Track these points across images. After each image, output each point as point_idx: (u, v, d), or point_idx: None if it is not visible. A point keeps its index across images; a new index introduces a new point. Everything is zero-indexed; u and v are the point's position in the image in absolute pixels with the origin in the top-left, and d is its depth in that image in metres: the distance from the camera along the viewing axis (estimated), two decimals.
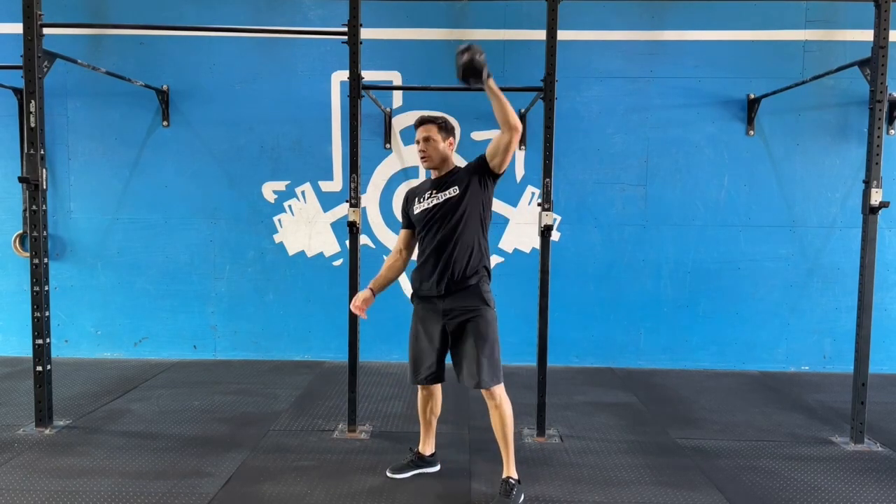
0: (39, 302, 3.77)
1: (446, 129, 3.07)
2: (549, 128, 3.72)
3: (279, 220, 5.56)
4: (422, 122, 3.07)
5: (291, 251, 5.58)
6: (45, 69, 3.74)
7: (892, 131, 5.32)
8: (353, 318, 3.83)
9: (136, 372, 5.17)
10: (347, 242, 4.02)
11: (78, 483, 3.14)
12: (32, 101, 3.67)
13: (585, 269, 5.52)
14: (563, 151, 5.32)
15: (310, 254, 5.58)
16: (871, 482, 3.27)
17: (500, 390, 2.98)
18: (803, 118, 5.38)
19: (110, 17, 5.40)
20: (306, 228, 5.56)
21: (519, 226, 5.50)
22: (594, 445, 3.74)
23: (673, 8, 5.36)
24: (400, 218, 3.30)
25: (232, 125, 5.48)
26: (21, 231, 5.53)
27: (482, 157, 3.02)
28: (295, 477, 3.25)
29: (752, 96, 5.32)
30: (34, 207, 3.74)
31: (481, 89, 2.82)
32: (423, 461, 3.32)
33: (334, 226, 5.55)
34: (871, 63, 3.63)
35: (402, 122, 5.46)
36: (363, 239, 5.40)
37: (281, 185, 5.53)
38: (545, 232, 3.73)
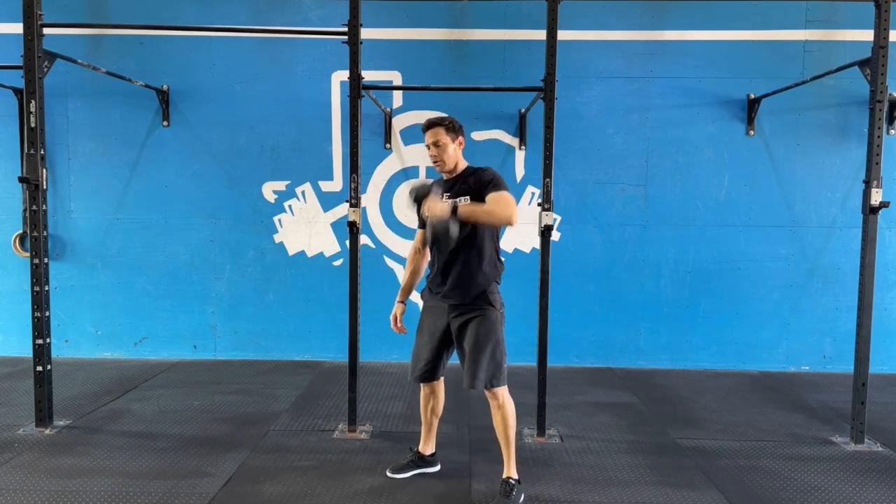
0: (39, 302, 3.77)
1: (454, 130, 3.03)
2: (549, 128, 3.72)
3: (279, 220, 5.56)
4: (429, 125, 3.04)
5: (291, 251, 5.58)
6: (45, 69, 3.74)
7: (892, 131, 5.31)
8: (354, 318, 3.83)
9: (136, 372, 5.16)
10: (347, 242, 4.02)
11: (78, 483, 3.14)
12: (32, 101, 3.67)
13: (585, 269, 5.52)
14: (563, 151, 5.32)
15: (310, 254, 5.58)
16: (871, 482, 3.27)
17: (503, 392, 2.98)
18: (803, 118, 5.38)
19: (110, 17, 5.40)
20: (306, 228, 5.56)
21: (519, 226, 5.49)
22: (594, 445, 3.74)
23: (673, 8, 5.36)
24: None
25: (232, 125, 5.48)
26: (21, 231, 5.53)
27: (487, 187, 2.89)
28: (295, 477, 3.25)
29: (753, 96, 5.32)
30: (34, 207, 3.74)
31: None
32: (423, 461, 3.32)
33: (334, 226, 5.55)
34: (871, 63, 3.63)
35: (402, 122, 5.46)
36: (363, 239, 5.39)
37: (281, 185, 5.53)
38: (545, 232, 3.74)
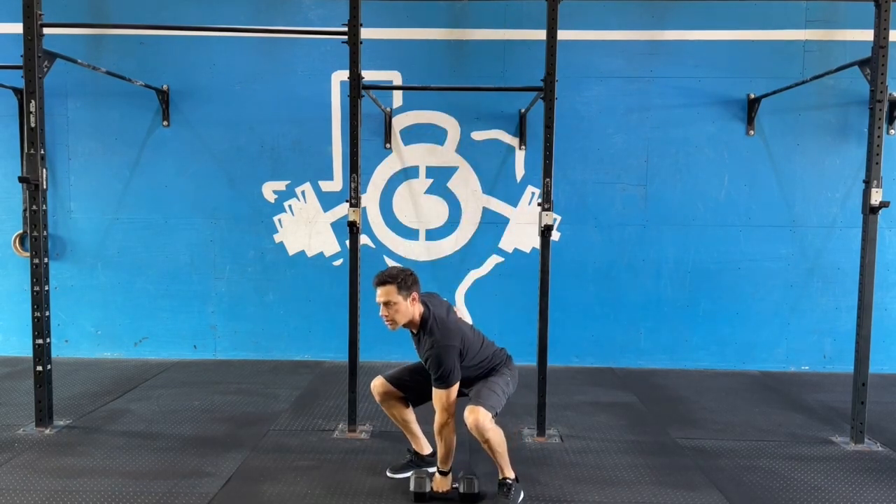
0: (39, 302, 3.77)
1: (407, 287, 2.89)
2: (549, 128, 3.72)
3: (279, 220, 5.56)
4: (379, 283, 2.90)
5: (291, 251, 5.58)
6: (45, 69, 3.74)
7: (892, 131, 5.31)
8: (354, 318, 3.83)
9: (136, 372, 5.16)
10: (347, 242, 4.02)
11: (78, 483, 3.14)
12: (32, 101, 3.67)
13: (585, 269, 5.52)
14: (563, 151, 5.31)
15: (310, 254, 5.58)
16: (871, 482, 3.27)
17: (487, 418, 2.91)
18: (803, 118, 5.38)
19: (110, 17, 5.40)
20: (306, 228, 5.56)
21: (519, 226, 5.50)
22: (594, 445, 3.74)
23: (673, 8, 5.35)
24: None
25: (232, 125, 5.48)
26: (21, 231, 5.53)
27: (433, 379, 2.94)
28: (295, 477, 3.25)
29: (752, 96, 5.32)
30: (34, 207, 3.74)
31: None
32: (422, 460, 3.32)
33: (334, 226, 5.54)
34: (871, 63, 3.62)
35: (402, 122, 5.46)
36: (363, 239, 5.39)
37: (281, 185, 5.53)
38: (545, 232, 3.73)
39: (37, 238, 3.75)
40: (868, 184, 3.63)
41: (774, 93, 5.10)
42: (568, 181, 5.42)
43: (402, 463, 3.32)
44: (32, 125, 3.69)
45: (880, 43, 3.59)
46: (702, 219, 5.46)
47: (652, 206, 5.46)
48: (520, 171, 5.48)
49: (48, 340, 3.81)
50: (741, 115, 5.39)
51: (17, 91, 5.30)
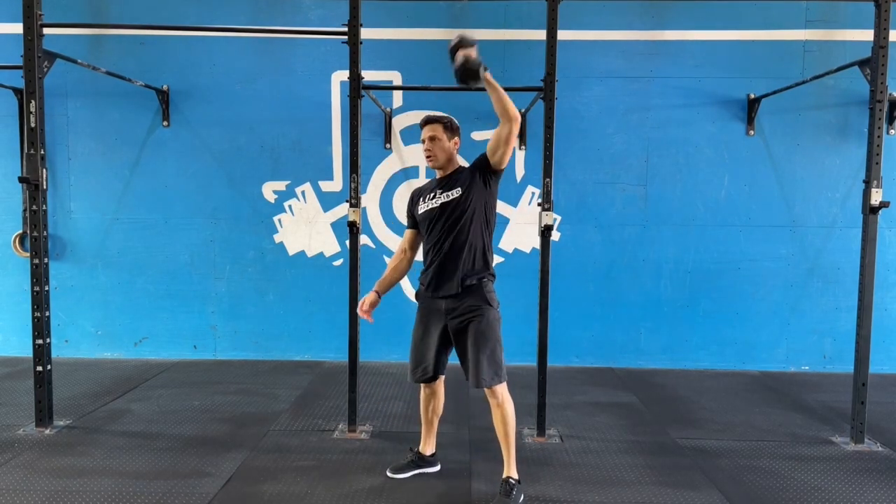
0: (39, 302, 3.77)
1: (451, 129, 3.08)
2: (549, 128, 3.72)
3: (279, 220, 5.56)
4: (427, 121, 3.08)
5: (291, 251, 5.58)
6: (45, 69, 3.74)
7: (892, 131, 5.32)
8: (354, 318, 3.83)
9: (136, 372, 5.16)
10: (347, 242, 4.02)
11: (78, 483, 3.14)
12: (32, 101, 3.67)
13: (585, 269, 5.52)
14: (563, 151, 5.31)
15: (310, 254, 5.58)
16: (871, 482, 3.27)
17: (502, 389, 2.98)
18: (803, 118, 5.38)
19: (110, 17, 5.40)
20: (306, 228, 5.56)
21: (519, 226, 5.50)
22: (594, 445, 3.74)
23: (673, 8, 5.36)
24: (402, 218, 3.31)
25: (232, 125, 5.48)
26: (21, 231, 5.53)
27: (483, 155, 3.02)
28: (295, 477, 3.25)
29: (753, 96, 5.32)
30: (34, 207, 3.74)
31: (481, 89, 2.80)
32: (423, 461, 3.32)
33: (334, 226, 5.55)
34: (871, 63, 3.63)
35: (402, 122, 5.46)
36: (363, 239, 5.39)
37: (281, 185, 5.53)
38: (545, 232, 3.73)
39: (37, 238, 3.75)
40: (868, 184, 3.64)
41: (774, 93, 5.10)
42: (568, 181, 5.42)
43: (403, 463, 3.32)
44: (32, 125, 3.69)
45: (880, 43, 3.59)
46: (702, 219, 5.46)
47: (652, 206, 5.47)
48: (520, 171, 5.48)
49: (48, 340, 3.81)
50: (741, 115, 5.39)
51: (17, 91, 5.30)
